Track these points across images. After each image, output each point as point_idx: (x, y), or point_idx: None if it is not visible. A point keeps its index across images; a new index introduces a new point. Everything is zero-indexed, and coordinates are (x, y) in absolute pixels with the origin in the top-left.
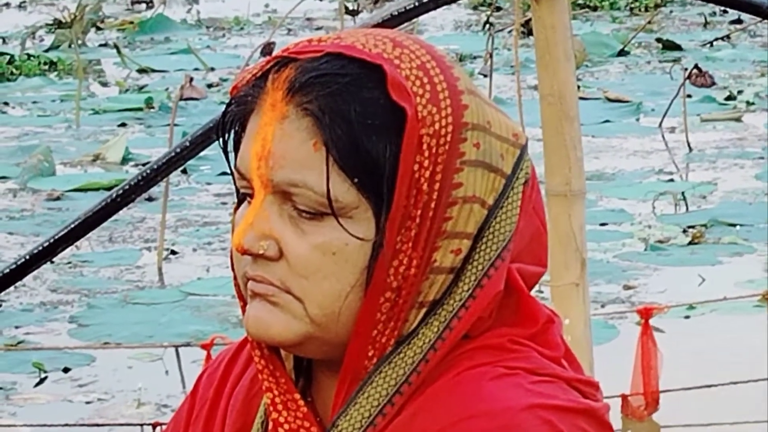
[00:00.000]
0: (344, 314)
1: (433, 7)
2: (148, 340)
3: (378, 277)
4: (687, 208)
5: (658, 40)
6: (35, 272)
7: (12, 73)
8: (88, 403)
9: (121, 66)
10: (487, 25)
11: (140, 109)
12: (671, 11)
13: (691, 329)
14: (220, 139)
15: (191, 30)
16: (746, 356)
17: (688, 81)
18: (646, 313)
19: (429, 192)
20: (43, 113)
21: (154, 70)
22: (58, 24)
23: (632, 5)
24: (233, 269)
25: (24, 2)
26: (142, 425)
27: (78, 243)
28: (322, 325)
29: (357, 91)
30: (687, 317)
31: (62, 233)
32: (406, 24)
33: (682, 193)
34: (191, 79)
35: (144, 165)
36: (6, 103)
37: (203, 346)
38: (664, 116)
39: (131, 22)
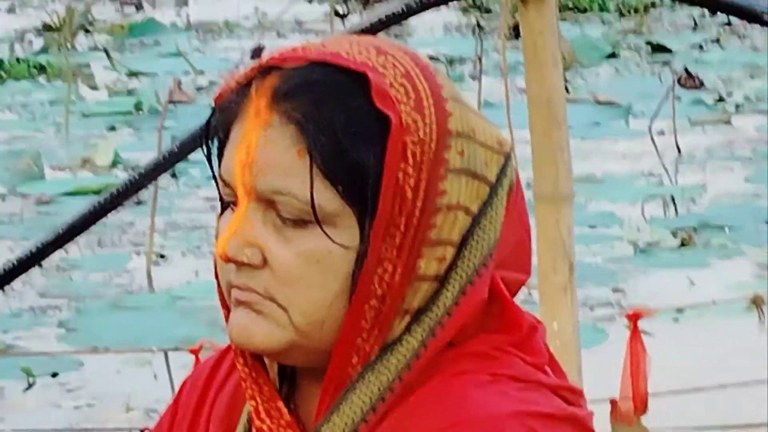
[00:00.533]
0: (328, 322)
1: (422, 10)
2: (137, 344)
3: (362, 285)
4: (676, 211)
5: (648, 42)
6: (24, 276)
7: (1, 77)
8: (76, 408)
9: (111, 69)
10: (477, 28)
11: (129, 113)
12: (660, 13)
13: (681, 332)
14: (205, 147)
15: (181, 33)
16: (735, 359)
17: (677, 83)
18: (635, 317)
19: (413, 200)
20: (32, 117)
21: (143, 74)
22: (48, 27)
23: (621, 7)
24: (217, 277)
25: (13, 6)
26: (131, 430)
27: (67, 247)
28: (306, 333)
29: (341, 99)
30: (676, 320)
31: (51, 237)
32: (395, 27)
33: (672, 195)
34: (180, 82)
35: (133, 169)
36: None
37: (192, 351)
38: (653, 119)
39: (121, 26)
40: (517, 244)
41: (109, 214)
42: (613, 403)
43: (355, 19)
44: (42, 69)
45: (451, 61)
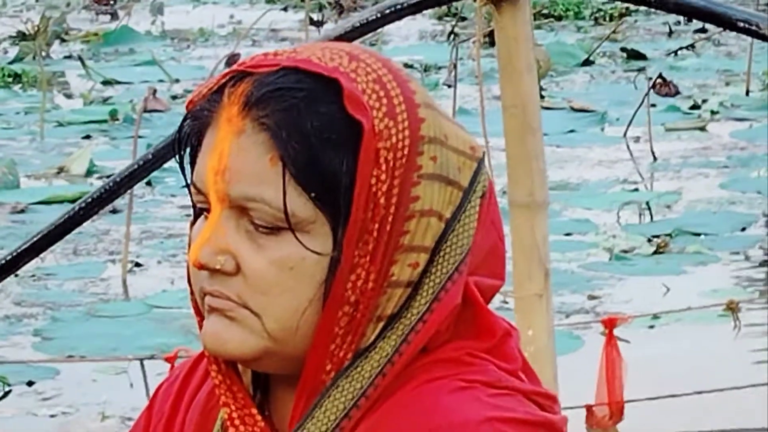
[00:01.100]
0: (302, 329)
1: (397, 18)
2: (112, 352)
3: (336, 292)
4: (652, 218)
5: (623, 49)
6: None
7: None
8: (52, 416)
9: (86, 78)
10: (452, 36)
11: (105, 121)
12: (636, 21)
13: (656, 339)
14: (177, 154)
15: (156, 41)
16: (710, 366)
17: (652, 90)
18: (610, 323)
19: (386, 206)
20: (7, 125)
21: (118, 82)
22: (22, 36)
23: (597, 15)
24: (190, 284)
25: None
26: None
27: (42, 256)
28: (280, 340)
29: (313, 105)
30: (652, 327)
31: (26, 246)
32: (370, 34)
33: (647, 202)
34: (155, 91)
35: (108, 177)
36: None
37: (167, 359)
38: (628, 126)
39: (95, 34)
40: (490, 250)
41: (84, 223)
42: (589, 409)
43: (331, 27)
44: (17, 77)
45: (426, 69)
